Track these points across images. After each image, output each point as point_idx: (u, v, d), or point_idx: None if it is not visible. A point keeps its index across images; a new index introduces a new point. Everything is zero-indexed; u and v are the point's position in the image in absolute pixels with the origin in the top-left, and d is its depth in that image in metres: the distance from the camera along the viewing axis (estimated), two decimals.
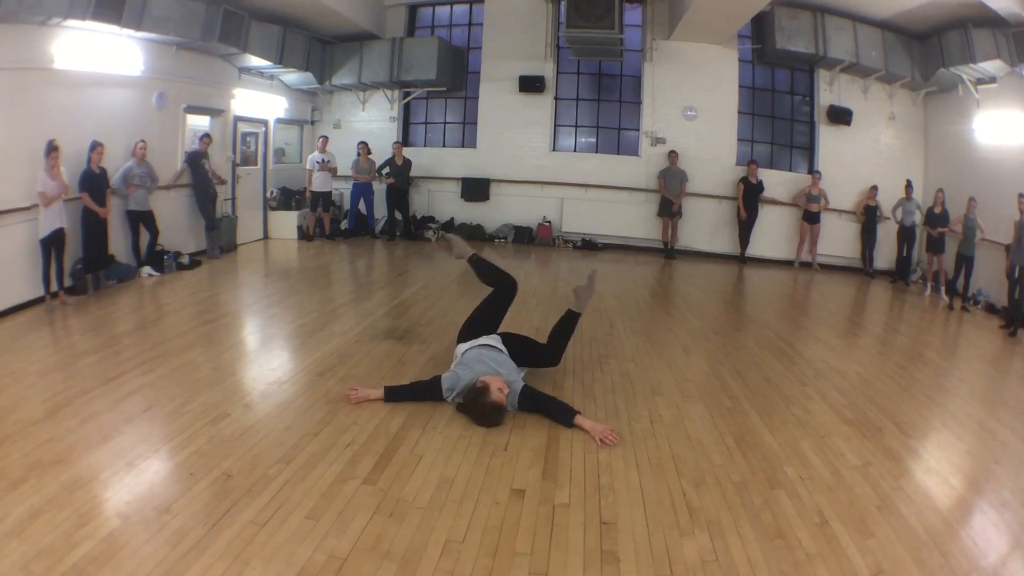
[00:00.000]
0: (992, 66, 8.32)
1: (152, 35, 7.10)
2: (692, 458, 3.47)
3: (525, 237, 11.01)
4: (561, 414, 3.73)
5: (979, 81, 8.91)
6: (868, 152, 10.46)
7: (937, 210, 8.97)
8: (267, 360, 4.65)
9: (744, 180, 10.24)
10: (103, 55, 6.69)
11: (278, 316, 5.89)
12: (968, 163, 9.24)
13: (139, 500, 2.65)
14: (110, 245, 6.70)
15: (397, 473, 3.00)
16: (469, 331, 4.28)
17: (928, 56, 9.45)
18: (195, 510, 2.60)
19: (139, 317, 5.68)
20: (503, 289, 4.51)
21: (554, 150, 11.23)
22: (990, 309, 8.20)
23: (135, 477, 2.83)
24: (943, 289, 8.81)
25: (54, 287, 5.87)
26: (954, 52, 8.65)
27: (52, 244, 5.81)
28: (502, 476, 3.07)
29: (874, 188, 10.09)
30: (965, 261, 8.20)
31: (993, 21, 7.97)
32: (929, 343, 6.58)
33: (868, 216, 10.12)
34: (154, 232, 7.24)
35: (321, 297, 6.59)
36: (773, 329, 6.40)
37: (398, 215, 10.77)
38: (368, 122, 11.63)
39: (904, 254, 9.78)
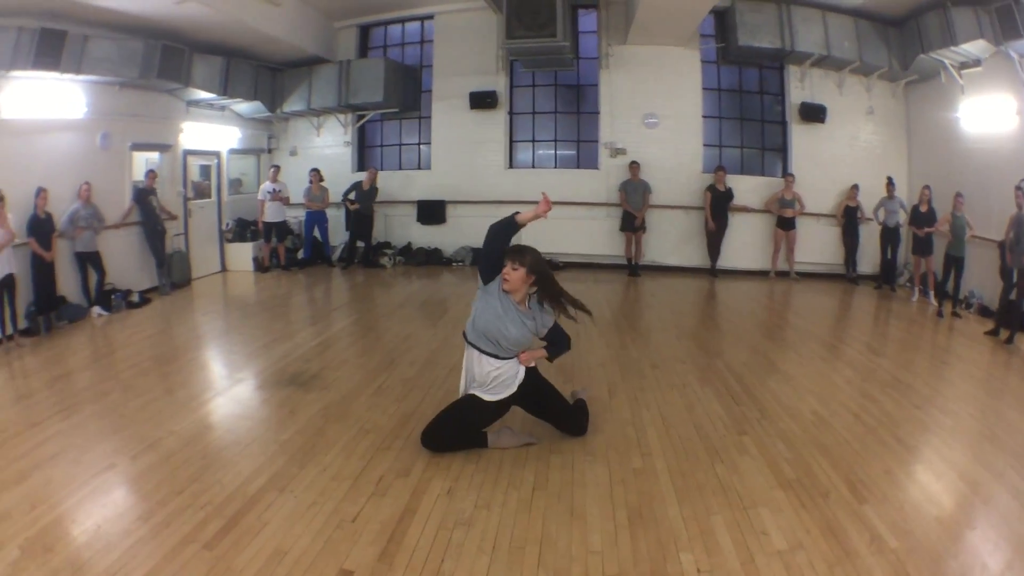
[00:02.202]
0: (975, 47, 7.59)
1: (92, 77, 7.22)
2: (565, 540, 2.82)
3: None
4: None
5: (962, 65, 8.18)
6: (846, 150, 9.80)
7: (923, 208, 8.18)
8: (166, 409, 4.40)
9: (711, 188, 9.58)
10: (47, 101, 6.87)
11: (197, 359, 5.80)
12: (955, 155, 8.52)
13: (35, 539, 2.81)
14: (60, 287, 6.85)
15: (237, 540, 2.80)
16: None
17: (906, 42, 8.76)
18: (67, 555, 2.69)
19: (76, 361, 5.67)
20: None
21: (511, 167, 10.68)
22: (984, 312, 7.43)
23: (35, 519, 2.97)
24: (932, 293, 8.05)
25: (9, 330, 6.10)
26: (934, 36, 7.95)
27: (4, 289, 6.05)
28: (338, 552, 2.70)
29: (855, 187, 9.39)
30: (954, 262, 7.44)
31: None
32: (911, 363, 5.69)
33: (848, 218, 9.41)
34: (101, 272, 7.31)
35: (248, 336, 6.33)
36: (725, 359, 5.59)
37: (360, 242, 10.36)
38: (324, 148, 11.28)
39: (888, 257, 9.05)
